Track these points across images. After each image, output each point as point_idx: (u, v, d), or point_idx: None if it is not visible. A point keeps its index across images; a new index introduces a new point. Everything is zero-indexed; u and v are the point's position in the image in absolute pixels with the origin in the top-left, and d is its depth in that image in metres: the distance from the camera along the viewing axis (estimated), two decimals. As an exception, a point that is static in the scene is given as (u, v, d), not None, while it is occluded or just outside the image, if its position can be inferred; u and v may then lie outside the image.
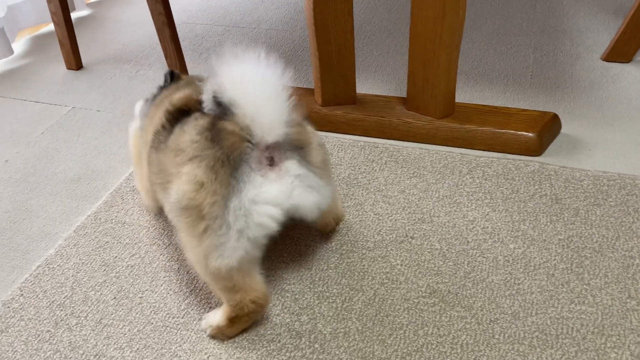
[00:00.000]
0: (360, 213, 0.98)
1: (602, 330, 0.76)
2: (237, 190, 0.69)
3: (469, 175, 1.05)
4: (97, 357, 0.78)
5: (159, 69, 1.54)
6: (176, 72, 0.97)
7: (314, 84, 1.22)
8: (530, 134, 1.08)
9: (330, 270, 0.88)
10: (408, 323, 0.79)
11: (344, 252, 0.91)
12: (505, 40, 1.52)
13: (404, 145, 1.15)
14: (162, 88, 0.95)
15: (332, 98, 1.21)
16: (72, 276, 0.91)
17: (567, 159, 1.08)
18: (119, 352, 0.78)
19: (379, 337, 0.77)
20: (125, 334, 0.81)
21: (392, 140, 1.17)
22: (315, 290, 0.85)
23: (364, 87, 1.36)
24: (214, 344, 0.79)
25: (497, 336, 0.76)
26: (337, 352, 0.76)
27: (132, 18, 1.87)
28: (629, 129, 1.15)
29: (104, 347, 0.79)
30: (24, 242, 0.99)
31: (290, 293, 0.85)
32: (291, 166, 0.73)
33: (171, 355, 0.77)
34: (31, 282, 0.91)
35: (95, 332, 0.82)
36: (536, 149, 1.08)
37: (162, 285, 0.88)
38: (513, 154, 1.10)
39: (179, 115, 0.80)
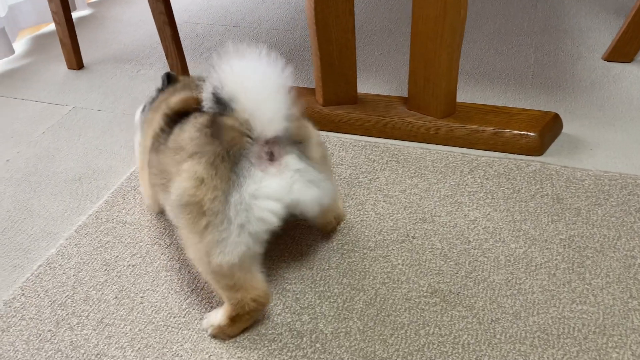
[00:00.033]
0: (361, 213, 0.98)
1: (604, 330, 0.76)
2: (237, 185, 0.70)
3: (470, 175, 1.05)
4: (99, 356, 0.78)
5: (160, 68, 1.54)
6: (173, 74, 0.98)
7: (315, 83, 1.22)
8: (531, 134, 1.08)
9: (331, 270, 0.88)
10: (409, 323, 0.79)
11: (345, 251, 0.91)
12: (506, 40, 1.52)
13: (405, 144, 1.15)
14: (159, 90, 0.96)
15: (333, 98, 1.21)
16: (74, 275, 0.91)
17: (568, 159, 1.08)
18: (120, 352, 0.78)
19: (381, 337, 0.77)
20: (126, 334, 0.81)
21: (393, 140, 1.17)
22: (317, 289, 0.85)
23: (365, 86, 1.36)
24: (216, 343, 0.79)
25: (498, 336, 0.76)
26: (338, 352, 0.76)
27: (133, 17, 1.87)
28: (631, 128, 1.15)
29: (106, 347, 0.79)
30: (26, 242, 0.99)
31: (292, 292, 0.85)
32: (291, 161, 0.73)
33: (172, 355, 0.78)
34: (32, 281, 0.91)
35: (96, 332, 0.82)
36: (537, 148, 1.08)
37: (163, 284, 0.88)
38: (514, 153, 1.10)
39: (177, 118, 0.80)
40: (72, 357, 0.78)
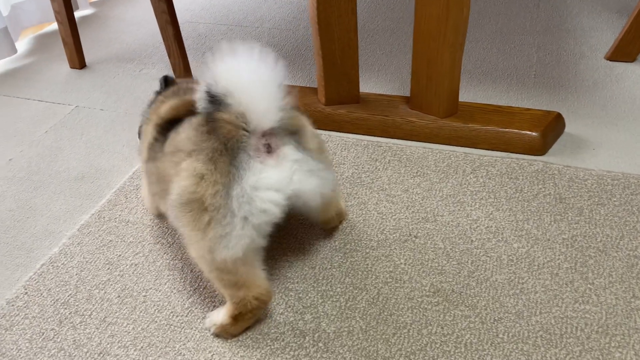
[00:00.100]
0: (363, 212, 0.98)
1: (607, 329, 0.76)
2: (238, 178, 0.70)
3: (473, 175, 1.05)
4: (102, 355, 0.78)
5: (162, 68, 1.54)
6: (170, 78, 0.98)
7: (318, 83, 1.22)
8: (534, 133, 1.08)
9: (333, 269, 0.88)
10: (412, 322, 0.79)
11: (347, 251, 0.91)
12: (508, 40, 1.51)
13: (407, 144, 1.15)
14: (158, 93, 0.96)
15: (335, 97, 1.21)
16: (76, 274, 0.91)
17: (571, 159, 1.07)
18: (123, 351, 0.79)
19: (383, 336, 0.77)
20: (129, 333, 0.81)
21: (395, 139, 1.17)
22: (319, 289, 0.85)
23: (367, 86, 1.36)
24: (218, 342, 0.79)
25: (501, 335, 0.76)
26: (340, 351, 0.76)
27: (135, 17, 1.87)
28: (633, 128, 1.15)
29: (108, 346, 0.80)
30: (28, 241, 1.00)
31: (294, 292, 0.85)
32: (288, 151, 0.74)
33: (175, 354, 0.78)
34: (35, 280, 0.91)
35: (99, 331, 0.82)
36: (540, 148, 1.08)
37: (166, 283, 0.88)
38: (517, 153, 1.10)
39: (168, 126, 0.81)
40: (75, 355, 0.79)
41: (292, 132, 0.75)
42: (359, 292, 0.84)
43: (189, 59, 1.55)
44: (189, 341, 0.79)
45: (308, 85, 1.39)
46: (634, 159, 1.06)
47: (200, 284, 0.88)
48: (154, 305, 0.85)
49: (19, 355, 0.79)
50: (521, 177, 1.03)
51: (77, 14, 1.91)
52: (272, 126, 0.72)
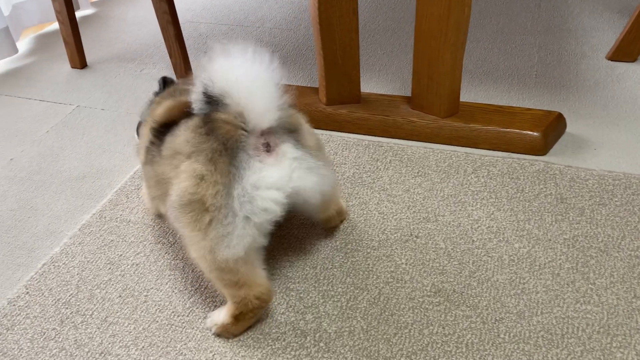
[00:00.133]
0: (364, 212, 0.98)
1: (608, 329, 0.76)
2: (238, 178, 0.70)
3: (474, 175, 1.05)
4: (103, 355, 0.78)
5: (163, 67, 1.54)
6: (169, 78, 0.98)
7: (319, 82, 1.22)
8: (535, 133, 1.08)
9: (334, 269, 0.88)
10: (413, 322, 0.79)
11: (348, 251, 0.91)
12: (509, 39, 1.51)
13: (408, 144, 1.15)
14: (156, 94, 0.96)
15: (336, 97, 1.21)
16: (78, 274, 0.91)
17: (572, 158, 1.07)
18: (124, 350, 0.79)
19: (384, 336, 0.77)
20: (130, 332, 0.81)
21: (396, 139, 1.17)
22: (320, 289, 0.85)
23: (368, 86, 1.36)
24: (219, 342, 0.79)
25: (502, 335, 0.76)
26: (342, 351, 0.76)
27: (136, 17, 1.87)
28: (634, 128, 1.15)
29: (110, 345, 0.80)
30: (30, 240, 1.00)
31: (295, 292, 0.85)
32: (287, 149, 0.74)
33: (176, 354, 0.78)
34: (37, 280, 0.91)
35: (100, 330, 0.82)
36: (541, 148, 1.08)
37: (167, 283, 0.88)
38: (518, 153, 1.10)
39: (164, 129, 0.81)
40: (76, 355, 0.79)
41: (290, 131, 0.75)
42: (360, 292, 0.84)
43: (190, 59, 1.55)
44: (190, 341, 0.79)
45: (309, 85, 1.39)
46: (635, 159, 1.06)
47: (202, 283, 0.88)
48: (155, 305, 0.85)
49: (21, 354, 0.79)
50: (522, 177, 1.03)
51: (78, 14, 1.91)
52: (271, 125, 0.72)
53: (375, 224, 0.96)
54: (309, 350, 0.77)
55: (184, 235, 0.75)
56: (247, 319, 0.78)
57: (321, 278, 0.87)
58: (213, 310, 0.83)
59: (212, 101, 0.71)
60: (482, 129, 1.11)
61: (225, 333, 0.79)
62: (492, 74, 1.37)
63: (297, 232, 0.96)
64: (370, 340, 0.77)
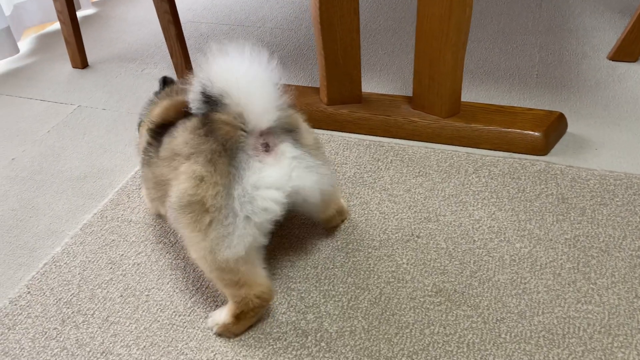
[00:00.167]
0: (365, 212, 0.98)
1: (609, 329, 0.76)
2: (238, 178, 0.70)
3: (475, 175, 1.05)
4: (104, 354, 0.78)
5: (165, 67, 1.54)
6: (169, 78, 0.98)
7: (320, 82, 1.22)
8: (536, 133, 1.08)
9: (336, 269, 0.88)
10: (414, 322, 0.79)
11: (349, 250, 0.91)
12: (510, 39, 1.51)
13: (409, 144, 1.15)
14: (156, 94, 0.96)
15: (337, 97, 1.21)
16: (79, 274, 0.91)
17: (573, 158, 1.07)
18: (125, 350, 0.79)
19: (385, 336, 0.77)
20: (132, 332, 0.81)
21: (397, 139, 1.17)
22: (321, 288, 0.85)
23: (369, 86, 1.36)
24: (221, 341, 0.79)
25: (503, 335, 0.76)
26: (343, 351, 0.76)
27: (137, 17, 1.87)
28: (636, 128, 1.14)
29: (111, 345, 0.80)
30: (31, 240, 1.00)
31: (296, 291, 0.85)
32: (286, 149, 0.74)
33: (178, 353, 0.78)
34: (38, 279, 0.91)
35: (102, 330, 0.82)
36: (542, 148, 1.08)
37: (168, 283, 0.88)
38: (519, 153, 1.10)
39: (161, 129, 0.81)
40: (77, 355, 0.79)
41: (288, 130, 0.75)
42: (361, 292, 0.84)
43: (191, 58, 1.55)
44: (191, 340, 0.79)
45: (310, 85, 1.39)
46: (636, 159, 1.06)
47: (203, 283, 0.88)
48: (157, 305, 0.85)
49: (22, 354, 0.80)
50: (523, 177, 1.03)
51: (80, 14, 1.92)
52: (270, 125, 0.72)
53: (376, 223, 0.96)
54: (310, 349, 0.77)
55: (184, 236, 0.75)
56: (248, 318, 0.78)
57: (322, 278, 0.87)
58: (214, 309, 0.83)
59: (211, 101, 0.71)
60: (483, 129, 1.11)
61: (226, 332, 0.79)
62: (494, 74, 1.37)
63: (298, 231, 0.96)
64: (371, 340, 0.77)
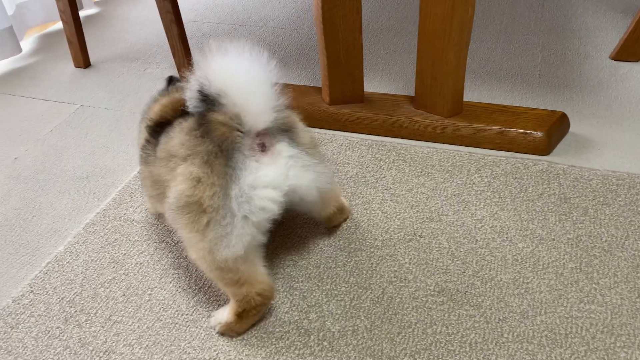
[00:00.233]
0: (368, 211, 0.98)
1: (612, 329, 0.76)
2: (235, 179, 0.70)
3: (477, 174, 1.05)
4: (107, 353, 0.79)
5: (167, 67, 1.54)
6: (175, 77, 0.98)
7: (322, 82, 1.22)
8: (538, 133, 1.08)
9: (338, 269, 0.88)
10: (417, 321, 0.79)
11: (352, 250, 0.91)
12: (513, 39, 1.51)
13: (411, 143, 1.15)
14: (161, 93, 0.96)
15: (339, 96, 1.21)
16: (82, 273, 0.92)
17: (575, 158, 1.07)
18: (128, 349, 0.79)
19: (388, 335, 0.78)
20: (134, 331, 0.81)
21: (399, 139, 1.17)
22: (324, 288, 0.85)
23: (371, 85, 1.36)
24: (223, 341, 0.79)
25: (506, 335, 0.76)
26: (345, 350, 0.76)
27: (139, 16, 1.87)
28: (638, 128, 1.14)
29: (114, 344, 0.80)
30: (34, 239, 1.00)
31: (299, 291, 0.85)
32: (283, 148, 0.74)
33: (180, 352, 0.78)
34: (41, 278, 0.91)
35: (104, 329, 0.82)
36: (545, 148, 1.08)
37: (171, 282, 0.89)
38: (521, 153, 1.10)
39: (158, 128, 0.81)
40: (80, 353, 0.79)
41: (284, 130, 0.76)
42: (364, 291, 0.84)
43: (193, 58, 1.55)
44: (194, 340, 0.79)
45: (312, 85, 1.39)
46: (639, 158, 1.06)
47: (205, 282, 0.88)
48: (159, 304, 0.85)
49: (25, 353, 0.80)
50: (526, 177, 1.03)
51: (82, 13, 1.92)
52: (266, 126, 0.73)
53: (378, 223, 0.96)
54: (312, 349, 0.77)
55: (183, 236, 0.75)
56: (250, 317, 0.78)
57: (325, 277, 0.87)
58: (217, 309, 0.83)
59: (208, 100, 0.71)
60: (485, 129, 1.11)
61: (229, 331, 0.79)
62: (496, 74, 1.37)
63: (300, 231, 0.96)
64: (373, 339, 0.77)
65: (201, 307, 0.84)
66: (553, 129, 1.09)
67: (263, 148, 0.73)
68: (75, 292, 0.88)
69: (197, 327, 0.81)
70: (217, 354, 0.77)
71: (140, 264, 0.92)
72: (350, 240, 0.93)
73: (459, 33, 1.02)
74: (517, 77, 1.35)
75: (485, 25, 1.60)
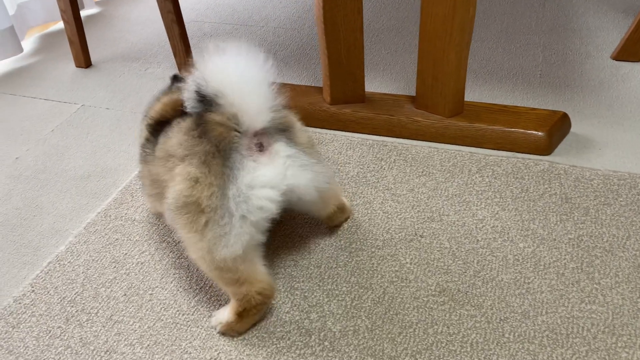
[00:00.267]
0: (369, 211, 0.98)
1: (613, 329, 0.76)
2: (232, 178, 0.71)
3: (478, 174, 1.05)
4: (108, 353, 0.79)
5: (168, 67, 1.54)
6: (180, 76, 0.98)
7: (323, 82, 1.22)
8: (539, 133, 1.07)
9: (339, 269, 0.88)
10: (418, 321, 0.79)
11: (353, 250, 0.91)
12: (514, 39, 1.51)
13: (412, 143, 1.15)
14: (165, 92, 0.96)
15: (340, 96, 1.21)
16: (83, 273, 0.92)
17: (577, 158, 1.07)
18: (129, 349, 0.79)
19: (389, 335, 0.78)
20: (135, 331, 0.81)
21: (400, 139, 1.17)
22: (325, 288, 0.85)
23: (372, 85, 1.36)
24: (224, 340, 0.79)
25: (507, 335, 0.76)
26: (346, 350, 0.76)
27: (141, 16, 1.87)
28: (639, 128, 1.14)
29: (115, 344, 0.80)
30: (35, 239, 1.00)
31: (300, 291, 0.85)
32: (280, 148, 0.75)
33: (181, 352, 0.78)
34: (42, 278, 0.91)
35: (105, 329, 0.82)
36: (546, 148, 1.08)
37: (172, 282, 0.89)
38: (522, 152, 1.10)
39: (158, 126, 0.81)
40: (81, 353, 0.79)
41: (282, 130, 0.76)
42: (365, 291, 0.84)
43: (192, 58, 1.55)
44: (195, 339, 0.79)
45: (313, 85, 1.39)
46: (640, 159, 1.06)
47: (206, 282, 0.88)
48: (160, 304, 0.85)
49: (26, 352, 0.80)
50: (527, 177, 1.03)
51: (83, 13, 1.92)
52: (264, 126, 0.73)
53: (379, 223, 0.96)
54: (313, 349, 0.77)
55: (182, 236, 0.75)
56: (251, 316, 0.78)
57: (325, 277, 0.87)
58: (218, 308, 0.83)
59: (205, 100, 0.71)
60: (486, 129, 1.10)
61: (230, 331, 0.79)
62: (497, 74, 1.37)
63: (301, 231, 0.96)
64: (374, 339, 0.77)
65: (202, 306, 0.84)
66: (554, 129, 1.09)
67: (261, 148, 0.73)
68: (77, 292, 0.88)
69: (198, 326, 0.81)
70: (218, 354, 0.77)
71: (142, 263, 0.92)
72: (351, 240, 0.93)
73: (460, 33, 1.02)
74: (518, 77, 1.35)
75: (487, 25, 1.60)
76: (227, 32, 1.70)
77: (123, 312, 0.84)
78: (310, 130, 1.22)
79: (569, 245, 0.89)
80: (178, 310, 0.84)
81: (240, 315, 0.77)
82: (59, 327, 0.83)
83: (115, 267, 0.92)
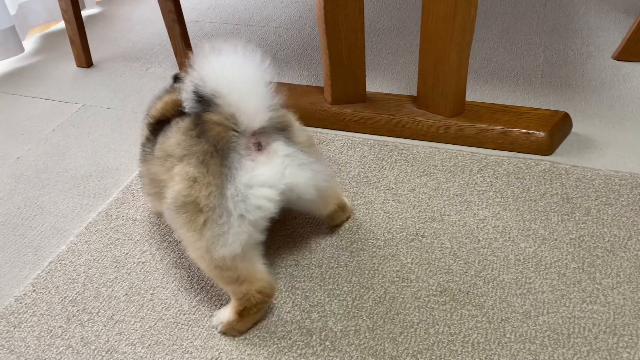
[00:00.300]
0: (370, 211, 0.98)
1: (614, 329, 0.76)
2: (230, 178, 0.71)
3: (480, 174, 1.05)
4: (109, 352, 0.79)
5: (169, 67, 1.54)
6: (180, 76, 0.98)
7: (324, 82, 1.22)
8: (541, 133, 1.07)
9: (340, 268, 0.88)
10: (419, 321, 0.79)
11: (354, 250, 0.91)
12: (515, 39, 1.51)
13: (414, 143, 1.15)
14: (167, 91, 0.97)
15: (342, 96, 1.21)
16: (84, 272, 0.92)
17: (578, 158, 1.07)
18: (130, 348, 0.79)
19: (390, 335, 0.77)
20: (136, 330, 0.81)
21: (402, 139, 1.17)
22: (326, 287, 0.85)
23: (373, 85, 1.36)
24: (225, 340, 0.79)
25: (508, 335, 0.76)
26: (347, 350, 0.76)
27: (142, 16, 1.87)
28: (641, 128, 1.14)
29: (116, 343, 0.80)
30: (36, 239, 1.00)
31: (301, 290, 0.85)
32: (279, 147, 0.75)
33: (182, 352, 0.78)
34: (43, 278, 0.91)
35: (107, 328, 0.82)
36: (547, 148, 1.08)
37: (173, 282, 0.89)
38: (524, 152, 1.10)
39: (159, 125, 0.81)
40: (82, 353, 0.79)
41: (280, 129, 0.76)
42: (366, 291, 0.84)
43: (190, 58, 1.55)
44: (196, 339, 0.79)
45: (314, 85, 1.39)
46: (641, 159, 1.06)
47: (207, 282, 0.88)
48: (161, 303, 0.85)
49: (27, 352, 0.80)
50: (528, 177, 1.03)
51: (84, 13, 1.92)
52: (262, 125, 0.73)
53: (380, 223, 0.96)
54: (314, 349, 0.77)
55: (181, 236, 0.75)
56: (252, 315, 0.78)
57: (327, 277, 0.87)
58: (219, 308, 0.83)
59: (203, 100, 0.71)
60: (488, 129, 1.10)
61: (231, 330, 0.79)
62: (498, 74, 1.37)
63: (302, 230, 0.96)
64: (376, 339, 0.77)
65: (203, 306, 0.84)
66: (555, 129, 1.09)
67: (259, 147, 0.73)
68: (78, 292, 0.88)
69: (199, 326, 0.81)
70: (219, 354, 0.77)
71: (143, 263, 0.92)
72: (352, 240, 0.93)
73: (462, 33, 1.02)
74: (520, 77, 1.35)
75: (488, 25, 1.60)
76: (228, 32, 1.70)
77: (124, 312, 0.84)
78: (311, 130, 1.22)
79: (570, 245, 0.89)
80: (179, 310, 0.84)
81: (241, 314, 0.77)
82: (60, 326, 0.83)
83: (116, 266, 0.92)
